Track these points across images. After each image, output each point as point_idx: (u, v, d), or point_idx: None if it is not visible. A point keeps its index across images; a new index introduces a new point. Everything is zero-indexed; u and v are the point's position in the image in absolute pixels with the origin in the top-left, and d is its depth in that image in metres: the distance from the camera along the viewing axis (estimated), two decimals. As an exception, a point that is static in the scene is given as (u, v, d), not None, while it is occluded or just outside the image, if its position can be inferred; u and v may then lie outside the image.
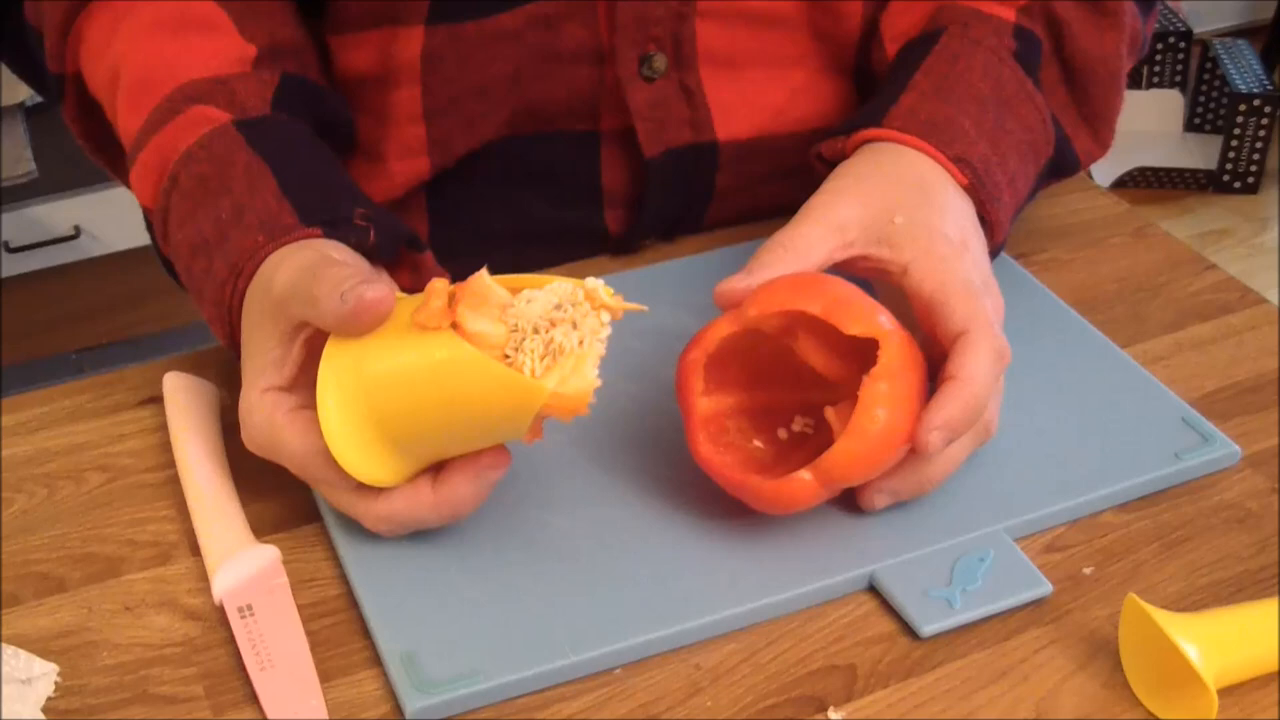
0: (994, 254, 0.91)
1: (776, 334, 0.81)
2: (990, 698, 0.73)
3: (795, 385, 0.84)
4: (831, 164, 0.93)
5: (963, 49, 0.95)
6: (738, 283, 0.82)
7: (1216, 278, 1.03)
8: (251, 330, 0.80)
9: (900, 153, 0.90)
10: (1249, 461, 0.87)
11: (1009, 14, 0.97)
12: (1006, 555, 0.79)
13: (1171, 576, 0.79)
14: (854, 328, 0.77)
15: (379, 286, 0.74)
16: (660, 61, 1.00)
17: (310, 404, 0.77)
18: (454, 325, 0.73)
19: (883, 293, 0.84)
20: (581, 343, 0.73)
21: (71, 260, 2.92)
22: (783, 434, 0.83)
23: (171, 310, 2.88)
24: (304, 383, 0.79)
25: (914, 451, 0.77)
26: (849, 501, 0.81)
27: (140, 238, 2.95)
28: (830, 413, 0.79)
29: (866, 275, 0.86)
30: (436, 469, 0.78)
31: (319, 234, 0.82)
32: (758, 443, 0.82)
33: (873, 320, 0.77)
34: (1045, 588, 0.78)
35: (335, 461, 0.76)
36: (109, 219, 2.91)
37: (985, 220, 0.90)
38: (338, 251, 0.80)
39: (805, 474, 0.76)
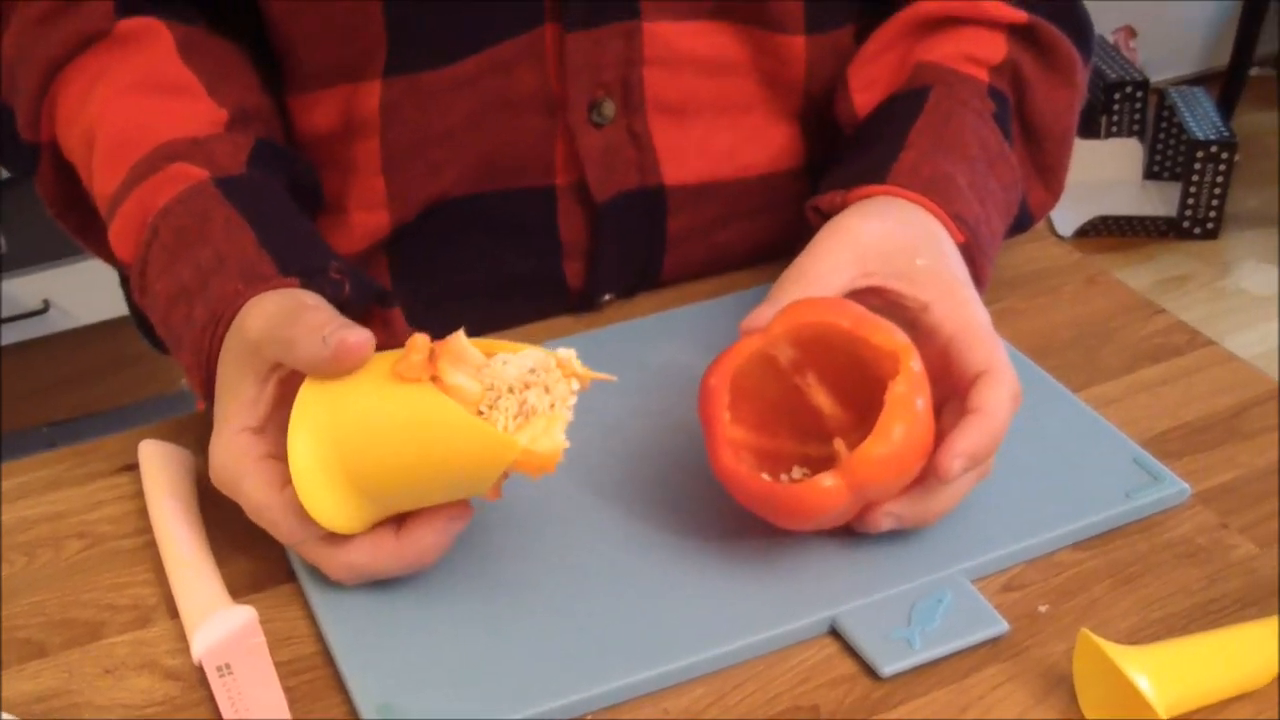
0: None
1: (789, 369, 0.84)
2: (951, 734, 0.75)
3: (796, 435, 0.86)
4: (828, 217, 0.94)
5: (953, 109, 0.98)
6: (762, 314, 0.84)
7: (1167, 321, 1.06)
8: (226, 372, 0.82)
9: (905, 206, 0.92)
10: (1199, 498, 0.89)
11: (983, 75, 1.00)
12: (964, 596, 0.81)
13: (1125, 612, 0.82)
14: (879, 338, 0.80)
15: (360, 331, 0.76)
16: (609, 107, 1.02)
17: (279, 453, 0.79)
18: (433, 379, 0.75)
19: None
20: (553, 406, 0.76)
21: (41, 334, 2.93)
22: (784, 478, 0.85)
23: (142, 383, 2.90)
24: (275, 426, 0.81)
25: (934, 477, 0.80)
26: (812, 548, 0.84)
27: (109, 311, 2.97)
28: (839, 443, 0.81)
29: (879, 308, 0.88)
30: (399, 520, 0.80)
31: (296, 283, 0.85)
32: (765, 476, 0.84)
33: (894, 335, 0.80)
34: (1002, 626, 0.80)
35: (297, 511, 0.78)
36: (78, 293, 2.92)
37: (974, 278, 0.92)
38: (312, 299, 0.82)
39: (829, 479, 0.78)
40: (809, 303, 0.84)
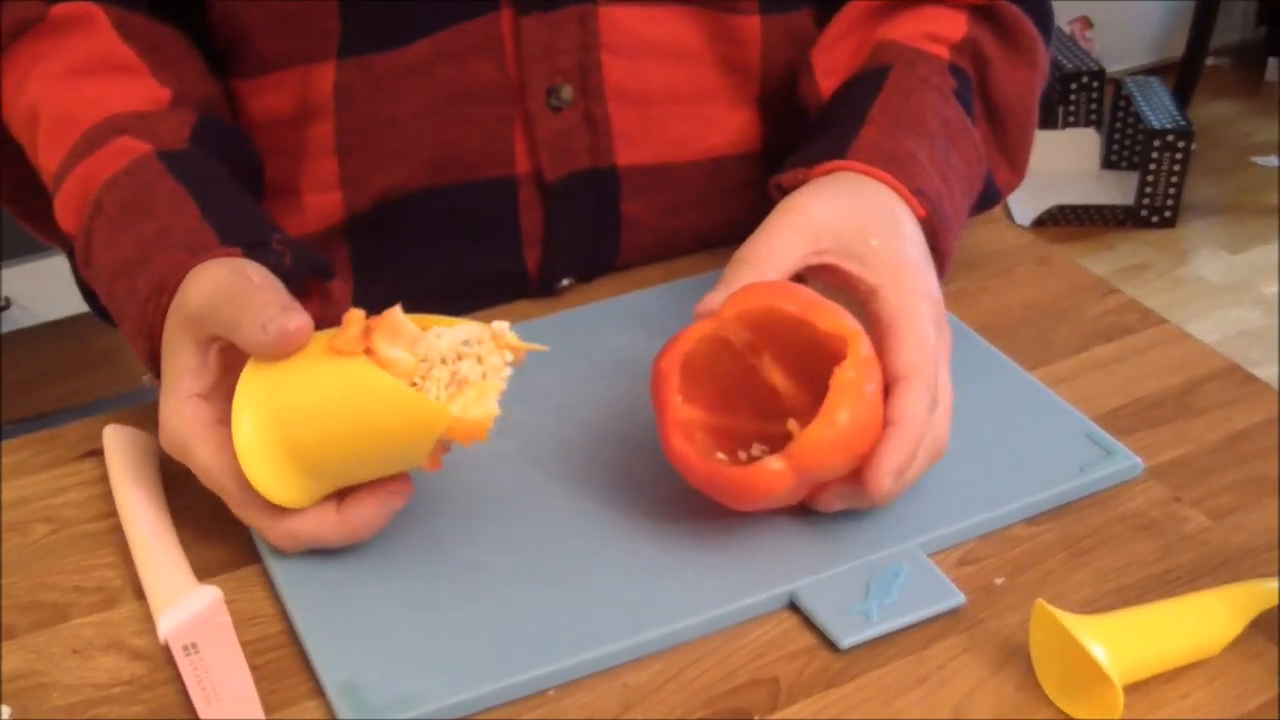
0: (940, 280, 0.94)
1: (744, 350, 0.85)
2: (910, 703, 0.76)
3: (755, 412, 0.87)
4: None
5: (913, 86, 0.99)
6: (715, 297, 0.85)
7: (1118, 301, 1.07)
8: (169, 340, 0.83)
9: (864, 182, 0.93)
10: (1151, 473, 0.91)
11: (944, 52, 1.01)
12: (920, 569, 0.82)
13: (1080, 584, 0.83)
14: (826, 324, 0.81)
15: (299, 316, 0.78)
16: (567, 92, 1.03)
17: (226, 419, 0.81)
18: (367, 352, 0.77)
19: (840, 303, 0.88)
20: (485, 376, 0.78)
21: (2, 331, 2.92)
22: (742, 455, 0.86)
23: (103, 380, 2.89)
24: (221, 394, 0.82)
25: (868, 491, 0.81)
26: (769, 524, 0.85)
27: (71, 308, 2.96)
28: (793, 423, 0.83)
29: (830, 285, 0.89)
30: (341, 495, 0.82)
31: (238, 254, 0.86)
32: (721, 455, 0.85)
33: (842, 320, 0.81)
34: (958, 598, 0.81)
35: (242, 477, 0.80)
36: (39, 290, 2.91)
37: (937, 250, 0.94)
38: (255, 273, 0.83)
39: (776, 462, 0.79)
40: (758, 287, 0.85)
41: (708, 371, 0.85)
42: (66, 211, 0.93)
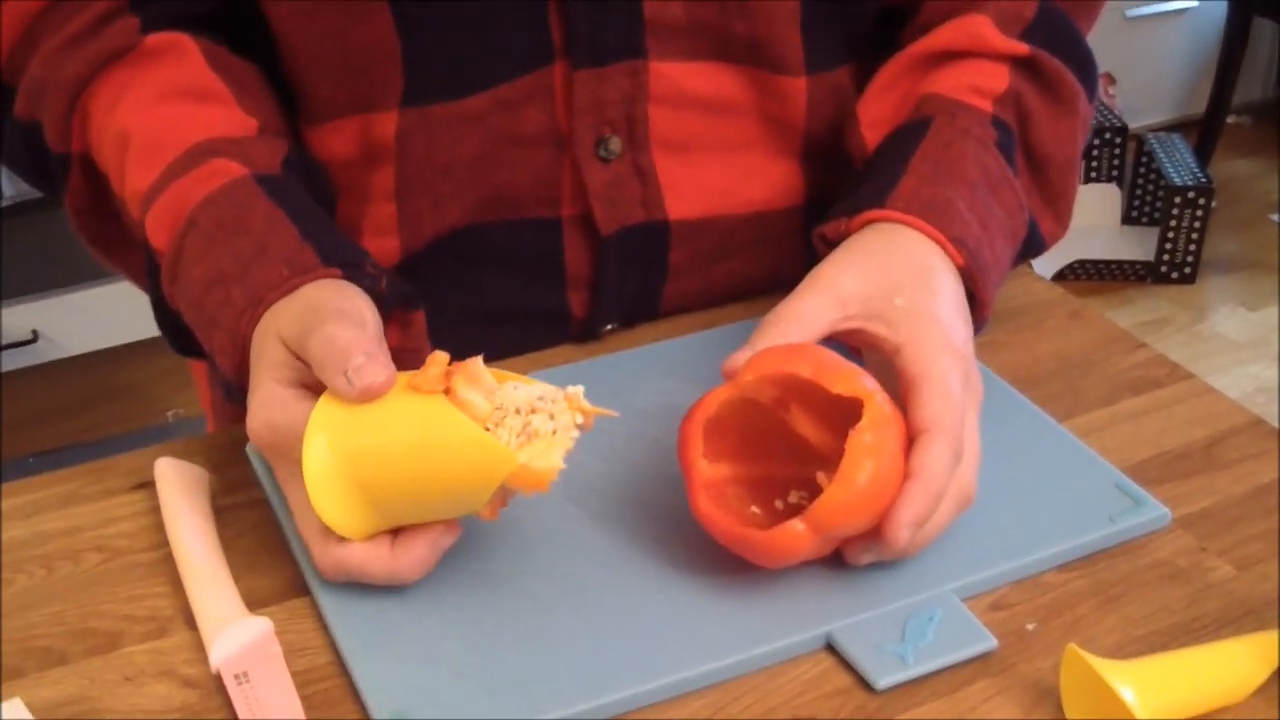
0: (979, 328, 0.96)
1: (772, 405, 0.87)
2: (943, 744, 0.78)
3: (791, 459, 0.89)
4: (834, 245, 0.98)
5: (954, 136, 1.01)
6: (740, 356, 0.88)
7: (1147, 355, 1.09)
8: (262, 343, 0.86)
9: (902, 233, 0.95)
10: (1179, 523, 0.92)
11: (987, 105, 1.03)
12: (954, 613, 0.84)
13: (1109, 630, 0.85)
14: (840, 387, 0.83)
15: (383, 370, 0.80)
16: (615, 143, 1.05)
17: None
18: (447, 392, 0.79)
19: (870, 361, 0.91)
20: (555, 432, 0.80)
21: (29, 364, 2.94)
22: (779, 504, 0.88)
23: (128, 414, 2.92)
24: (311, 387, 0.85)
25: (887, 543, 0.82)
26: (807, 568, 0.86)
27: (98, 342, 2.97)
28: (822, 476, 0.85)
29: (860, 346, 0.92)
30: (394, 533, 0.84)
31: (338, 274, 0.88)
32: (755, 509, 0.87)
33: (857, 382, 0.83)
34: (991, 642, 0.83)
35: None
36: (67, 323, 2.94)
37: (975, 298, 0.96)
38: (347, 301, 0.85)
39: (798, 524, 0.81)
40: (777, 351, 0.87)
41: (737, 425, 0.87)
42: (159, 227, 0.94)
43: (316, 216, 0.94)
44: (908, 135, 1.02)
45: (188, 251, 0.92)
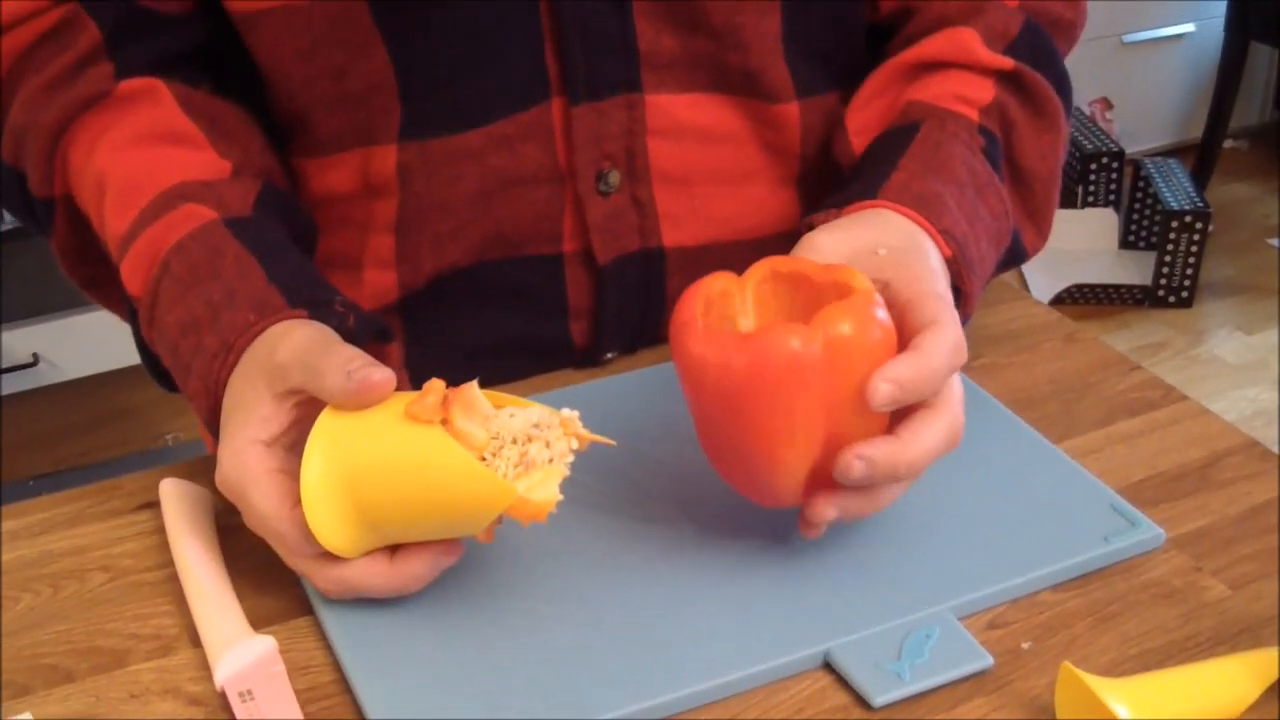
0: (962, 323, 0.97)
1: (768, 295, 0.89)
2: (940, 761, 0.79)
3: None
4: None
5: (943, 139, 1.02)
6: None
7: (1142, 377, 1.10)
8: (243, 389, 0.87)
9: (892, 217, 0.96)
10: (1174, 543, 0.93)
11: (973, 114, 1.04)
12: (951, 632, 0.85)
13: (1104, 648, 0.85)
14: (843, 276, 0.85)
15: (383, 370, 0.82)
16: (615, 177, 1.07)
17: (287, 469, 0.85)
18: (443, 422, 0.80)
19: None
20: (551, 460, 0.81)
21: (30, 387, 2.95)
22: None
23: (128, 436, 2.92)
24: (283, 445, 0.86)
25: (869, 396, 0.81)
26: (806, 584, 0.87)
27: (98, 365, 2.98)
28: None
29: None
30: (393, 547, 0.85)
31: (304, 314, 0.90)
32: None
33: (860, 277, 0.85)
34: (987, 660, 0.83)
35: (301, 526, 0.83)
36: (67, 347, 2.95)
37: (960, 291, 0.96)
38: (336, 336, 0.87)
39: (795, 339, 0.80)
40: (779, 257, 0.89)
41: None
42: (134, 272, 0.96)
43: (286, 256, 0.96)
44: (897, 137, 1.04)
45: (162, 297, 0.94)
